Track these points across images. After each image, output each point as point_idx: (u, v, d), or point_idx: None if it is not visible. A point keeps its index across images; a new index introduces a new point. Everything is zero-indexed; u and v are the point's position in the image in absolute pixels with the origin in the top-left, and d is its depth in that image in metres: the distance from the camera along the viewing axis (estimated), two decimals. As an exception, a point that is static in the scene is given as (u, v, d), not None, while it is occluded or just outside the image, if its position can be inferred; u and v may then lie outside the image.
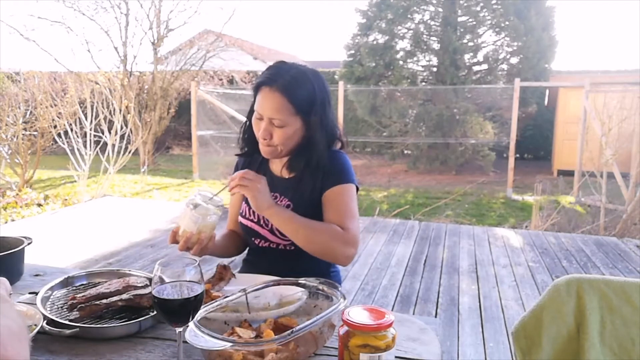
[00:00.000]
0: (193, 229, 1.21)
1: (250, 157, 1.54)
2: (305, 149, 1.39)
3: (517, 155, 9.46)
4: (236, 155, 1.57)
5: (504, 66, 10.49)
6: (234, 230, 1.57)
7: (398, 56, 10.56)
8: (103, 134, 6.59)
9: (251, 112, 1.44)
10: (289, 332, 0.88)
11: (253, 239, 1.48)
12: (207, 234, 1.24)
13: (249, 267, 1.54)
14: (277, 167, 1.49)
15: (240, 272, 1.53)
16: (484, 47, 10.42)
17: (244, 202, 1.51)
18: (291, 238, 1.32)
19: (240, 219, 1.50)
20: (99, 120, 6.58)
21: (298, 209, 1.40)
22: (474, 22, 10.27)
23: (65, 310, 1.14)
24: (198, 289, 0.87)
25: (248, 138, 1.49)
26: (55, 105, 6.94)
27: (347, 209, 1.35)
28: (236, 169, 1.57)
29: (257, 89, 1.36)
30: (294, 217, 1.30)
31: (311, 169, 1.40)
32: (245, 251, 1.59)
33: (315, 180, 1.41)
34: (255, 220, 1.45)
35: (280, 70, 1.35)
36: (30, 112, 7.02)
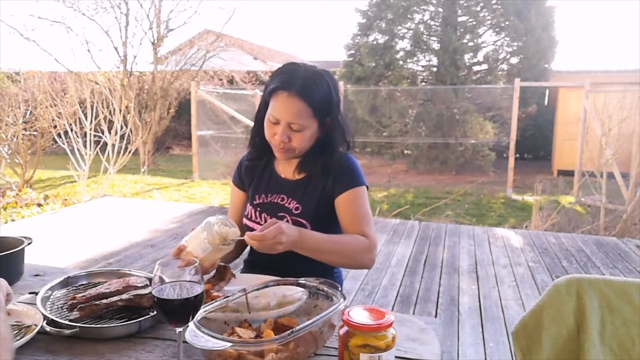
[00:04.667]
0: (199, 255, 1.16)
1: (259, 160, 1.52)
2: (321, 149, 1.39)
3: (517, 155, 9.45)
4: (248, 160, 1.55)
5: (504, 66, 10.49)
6: None
7: (398, 56, 10.56)
8: (103, 134, 6.59)
9: (259, 115, 1.42)
10: (289, 332, 0.88)
11: None
12: (211, 262, 1.20)
13: (251, 267, 1.53)
14: (284, 168, 1.47)
15: (241, 272, 1.53)
16: (484, 47, 10.42)
17: (249, 205, 1.49)
18: (321, 260, 1.29)
19: (246, 221, 1.48)
20: (99, 120, 6.58)
21: (307, 211, 1.39)
22: (474, 22, 10.27)
23: (65, 310, 1.14)
24: (198, 289, 0.87)
25: (259, 142, 1.46)
26: (55, 105, 6.94)
27: (363, 214, 1.36)
28: (239, 169, 1.56)
29: (271, 94, 1.33)
30: (320, 242, 1.26)
31: (324, 170, 1.40)
32: (247, 250, 1.58)
33: (325, 182, 1.41)
34: (263, 222, 1.43)
35: (294, 73, 1.32)
36: (30, 112, 7.02)
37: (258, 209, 1.46)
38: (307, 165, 1.42)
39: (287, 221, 1.39)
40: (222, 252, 1.17)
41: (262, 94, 1.42)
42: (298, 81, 1.30)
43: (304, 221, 1.39)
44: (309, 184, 1.43)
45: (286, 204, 1.42)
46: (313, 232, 1.27)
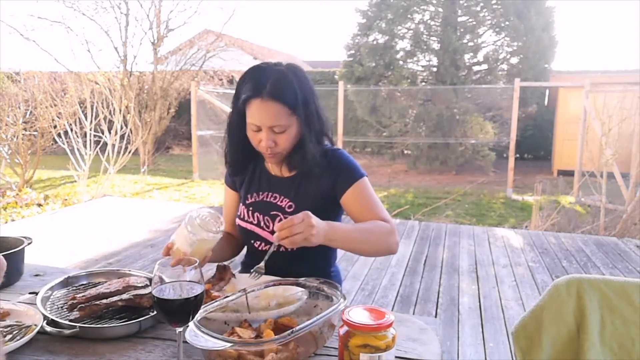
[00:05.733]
0: (187, 250, 1.16)
1: (239, 173, 1.50)
2: (304, 142, 1.36)
3: (517, 155, 9.45)
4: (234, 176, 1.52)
5: (504, 66, 10.48)
6: (230, 233, 1.53)
7: (398, 56, 10.55)
8: (103, 134, 6.59)
9: (234, 124, 1.38)
10: (289, 332, 0.88)
11: (253, 242, 1.45)
12: (201, 255, 1.19)
13: (248, 269, 1.52)
14: (274, 166, 1.45)
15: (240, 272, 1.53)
16: (484, 47, 10.42)
17: (241, 204, 1.48)
18: (351, 252, 1.31)
19: (239, 222, 1.46)
20: (99, 120, 6.58)
21: (301, 209, 1.34)
22: (474, 22, 10.26)
23: (65, 310, 1.14)
24: (198, 289, 0.87)
25: (237, 152, 1.43)
26: (55, 105, 6.94)
27: (374, 202, 1.37)
28: (229, 175, 1.54)
29: (245, 103, 1.31)
30: (349, 231, 1.26)
31: (309, 164, 1.37)
32: (243, 252, 1.57)
33: (317, 179, 1.39)
34: (256, 222, 1.42)
35: (260, 77, 1.30)
36: (30, 112, 7.02)
37: (250, 208, 1.44)
38: (294, 161, 1.38)
39: (280, 219, 1.37)
40: (211, 244, 1.17)
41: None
42: (267, 84, 1.27)
43: None
44: (302, 181, 1.41)
45: (278, 202, 1.41)
46: (338, 223, 1.25)
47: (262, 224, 1.41)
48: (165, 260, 0.89)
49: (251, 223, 1.43)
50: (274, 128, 1.30)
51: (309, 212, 1.14)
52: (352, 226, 1.29)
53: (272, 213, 1.39)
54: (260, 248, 1.43)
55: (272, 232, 1.36)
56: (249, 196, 1.46)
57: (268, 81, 1.28)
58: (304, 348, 0.95)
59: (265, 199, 1.43)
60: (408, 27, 10.57)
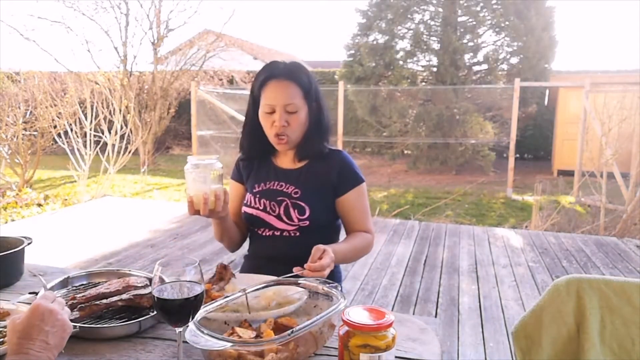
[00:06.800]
0: (205, 188, 1.23)
1: (253, 159, 1.58)
2: (313, 133, 1.47)
3: (517, 155, 9.45)
4: (240, 160, 1.60)
5: (504, 66, 10.48)
6: (235, 222, 1.60)
7: (398, 56, 10.54)
8: (103, 134, 6.59)
9: (250, 114, 1.49)
10: (289, 332, 0.88)
11: (256, 229, 1.51)
12: (220, 187, 1.27)
13: (252, 259, 1.55)
14: (283, 160, 1.53)
15: (241, 270, 1.53)
16: (484, 47, 10.41)
17: (248, 194, 1.54)
18: (345, 263, 1.51)
19: (245, 209, 1.52)
20: (98, 120, 6.58)
21: (306, 195, 1.45)
22: (474, 22, 10.26)
23: (65, 310, 1.13)
24: (198, 289, 0.87)
25: (251, 141, 1.53)
26: (55, 105, 6.94)
27: (365, 211, 1.51)
28: (237, 165, 1.61)
29: (261, 87, 1.41)
30: (346, 252, 1.42)
31: (318, 154, 1.48)
32: (245, 249, 1.60)
33: (323, 173, 1.47)
34: (262, 208, 1.48)
35: (277, 64, 1.44)
36: (30, 112, 7.02)
37: (257, 195, 1.51)
38: (304, 151, 1.48)
39: (287, 204, 1.44)
40: (217, 173, 1.25)
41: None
42: (282, 68, 1.42)
43: (302, 204, 1.44)
44: (308, 171, 1.49)
45: (285, 189, 1.47)
46: (336, 245, 1.37)
47: (268, 208, 1.47)
48: (165, 260, 0.89)
49: (257, 209, 1.48)
50: (287, 106, 1.39)
51: (329, 250, 1.24)
52: (347, 247, 1.43)
53: (278, 199, 1.46)
54: (264, 234, 1.49)
55: (278, 216, 1.44)
56: (256, 185, 1.53)
57: (284, 66, 1.43)
58: (304, 348, 0.95)
59: (272, 187, 1.50)
60: (408, 27, 10.57)
